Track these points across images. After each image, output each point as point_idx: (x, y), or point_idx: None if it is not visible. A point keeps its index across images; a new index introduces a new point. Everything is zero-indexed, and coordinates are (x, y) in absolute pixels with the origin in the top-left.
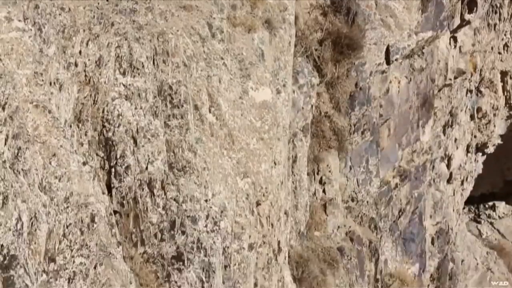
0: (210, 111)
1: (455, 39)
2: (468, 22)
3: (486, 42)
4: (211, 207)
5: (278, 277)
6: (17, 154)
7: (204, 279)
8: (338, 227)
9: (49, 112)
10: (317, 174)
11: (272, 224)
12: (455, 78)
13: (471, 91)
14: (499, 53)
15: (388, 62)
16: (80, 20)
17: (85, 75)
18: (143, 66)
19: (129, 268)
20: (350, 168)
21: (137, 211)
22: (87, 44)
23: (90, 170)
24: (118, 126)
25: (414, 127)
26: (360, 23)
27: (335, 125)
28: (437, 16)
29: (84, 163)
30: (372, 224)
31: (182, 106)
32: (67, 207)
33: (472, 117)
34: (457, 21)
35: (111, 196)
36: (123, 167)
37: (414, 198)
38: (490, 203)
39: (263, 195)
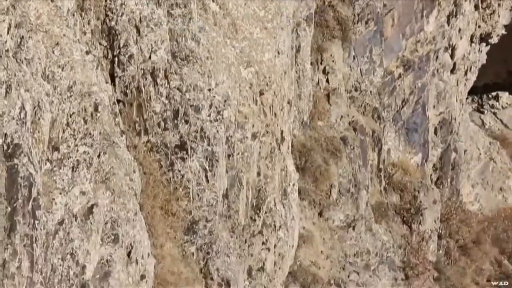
0: (213, 0)
1: None
2: None
3: None
4: (214, 97)
5: (281, 166)
6: (20, 43)
7: (207, 168)
8: (341, 116)
9: (52, 0)
10: (321, 64)
11: (275, 114)
12: None
13: None
14: None
15: None
16: None
17: None
18: None
19: (133, 157)
20: (354, 58)
21: (141, 100)
22: None
23: (93, 59)
24: (121, 15)
25: (418, 17)
26: None
27: (338, 14)
28: None
29: (87, 52)
30: (375, 114)
31: None
32: (70, 96)
33: (476, 7)
34: None
35: (114, 85)
36: (126, 56)
37: (417, 88)
38: (494, 93)
39: (267, 84)
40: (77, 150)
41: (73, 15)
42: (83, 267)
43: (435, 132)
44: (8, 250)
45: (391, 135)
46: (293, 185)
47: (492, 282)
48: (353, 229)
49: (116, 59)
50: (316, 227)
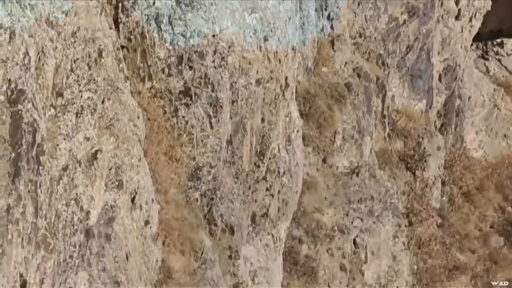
0: None
1: None
2: None
3: None
4: (218, 43)
5: (285, 112)
6: None
7: (211, 114)
8: (346, 63)
9: None
10: (325, 10)
11: (279, 60)
12: None
13: None
14: None
15: None
16: None
17: None
18: None
19: (137, 103)
20: (358, 4)
21: (145, 46)
22: None
23: (97, 5)
24: None
25: None
26: None
27: None
28: None
29: None
30: (380, 60)
31: None
32: (74, 42)
33: None
34: None
35: (118, 31)
36: (130, 1)
37: (422, 35)
38: (498, 40)
39: (271, 30)
40: (81, 96)
41: None
42: (87, 212)
43: (440, 79)
44: (12, 196)
45: (395, 82)
46: (297, 131)
47: (498, 119)
48: (357, 175)
49: (120, 4)
50: (320, 173)
